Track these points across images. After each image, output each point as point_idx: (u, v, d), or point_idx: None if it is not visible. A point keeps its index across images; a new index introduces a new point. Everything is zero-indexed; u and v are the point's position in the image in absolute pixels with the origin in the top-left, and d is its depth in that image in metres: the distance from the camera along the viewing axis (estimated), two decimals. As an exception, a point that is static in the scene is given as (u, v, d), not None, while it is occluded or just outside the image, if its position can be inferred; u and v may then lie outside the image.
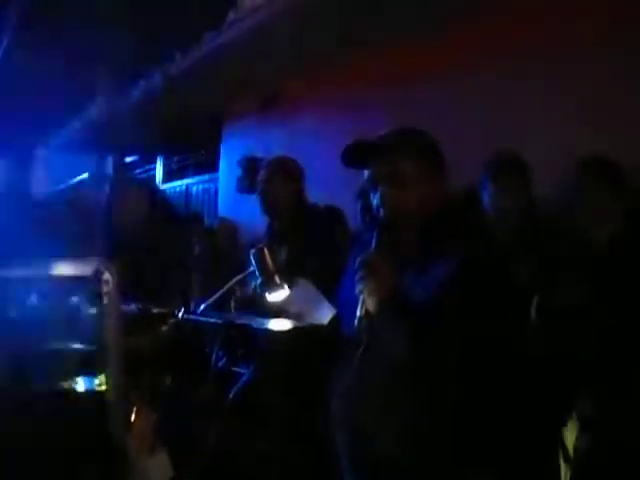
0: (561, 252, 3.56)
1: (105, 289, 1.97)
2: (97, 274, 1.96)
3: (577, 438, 3.36)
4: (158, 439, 2.43)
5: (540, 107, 4.86)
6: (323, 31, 6.32)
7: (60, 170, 16.08)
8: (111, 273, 1.97)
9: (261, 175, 4.40)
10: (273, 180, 4.33)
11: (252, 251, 3.10)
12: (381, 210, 2.50)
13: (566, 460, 3.42)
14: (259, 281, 3.10)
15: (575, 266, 3.47)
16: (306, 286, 3.17)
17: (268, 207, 4.31)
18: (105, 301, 1.98)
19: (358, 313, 2.31)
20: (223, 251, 7.95)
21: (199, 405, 3.09)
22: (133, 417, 2.41)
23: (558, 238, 3.62)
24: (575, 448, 3.37)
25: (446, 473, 2.34)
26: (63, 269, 1.99)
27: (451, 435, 2.32)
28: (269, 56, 7.18)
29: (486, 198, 3.84)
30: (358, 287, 2.34)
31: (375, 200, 2.53)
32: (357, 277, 2.35)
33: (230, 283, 3.08)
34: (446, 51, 5.73)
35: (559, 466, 3.45)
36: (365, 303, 2.32)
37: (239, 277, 3.14)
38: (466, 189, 3.72)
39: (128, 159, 14.72)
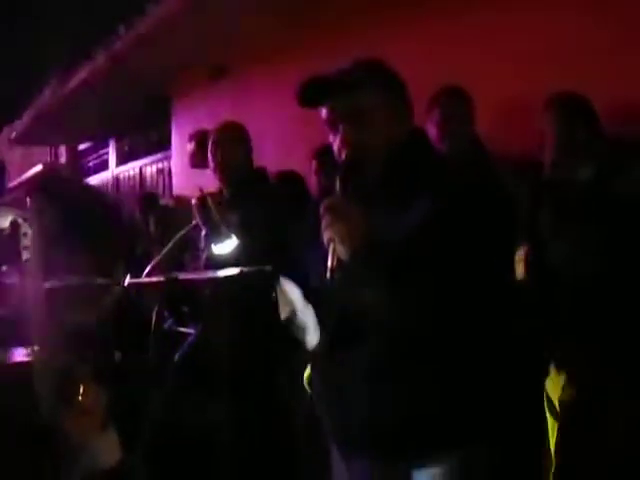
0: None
1: (24, 243, 1.80)
2: (14, 226, 1.79)
3: (563, 390, 3.29)
4: (107, 417, 2.28)
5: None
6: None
7: (15, 164, 15.96)
8: (30, 225, 1.80)
9: (210, 140, 4.27)
10: (221, 143, 4.18)
11: (194, 201, 2.93)
12: (343, 151, 2.26)
13: (552, 413, 3.37)
14: (203, 233, 2.93)
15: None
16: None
17: (220, 170, 4.17)
18: (25, 256, 1.80)
19: (329, 264, 2.07)
20: (180, 228, 7.83)
21: (145, 373, 2.92)
22: (80, 394, 2.26)
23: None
24: (561, 401, 3.31)
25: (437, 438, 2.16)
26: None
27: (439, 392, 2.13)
28: (216, 26, 7.04)
29: (433, 130, 3.82)
30: (325, 235, 2.10)
31: (336, 141, 2.29)
32: (323, 224, 2.10)
33: (172, 241, 2.92)
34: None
35: (546, 419, 3.40)
36: (335, 252, 2.08)
37: (181, 233, 2.97)
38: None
39: (81, 147, 14.55)
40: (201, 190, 3.49)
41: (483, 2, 4.81)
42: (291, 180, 5.32)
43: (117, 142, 12.66)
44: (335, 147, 2.31)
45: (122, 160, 12.44)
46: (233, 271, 2.55)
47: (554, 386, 3.36)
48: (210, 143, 4.24)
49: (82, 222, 3.82)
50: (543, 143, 3.61)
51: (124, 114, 10.64)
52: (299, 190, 5.25)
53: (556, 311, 3.34)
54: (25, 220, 1.71)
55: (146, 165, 11.44)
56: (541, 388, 3.35)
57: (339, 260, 2.07)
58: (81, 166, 14.47)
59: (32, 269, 1.80)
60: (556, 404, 3.34)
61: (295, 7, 6.25)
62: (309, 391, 2.90)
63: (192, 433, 3.26)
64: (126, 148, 12.26)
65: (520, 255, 3.40)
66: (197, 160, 8.24)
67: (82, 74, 9.25)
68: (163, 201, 9.50)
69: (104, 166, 13.19)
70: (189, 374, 3.10)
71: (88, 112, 10.68)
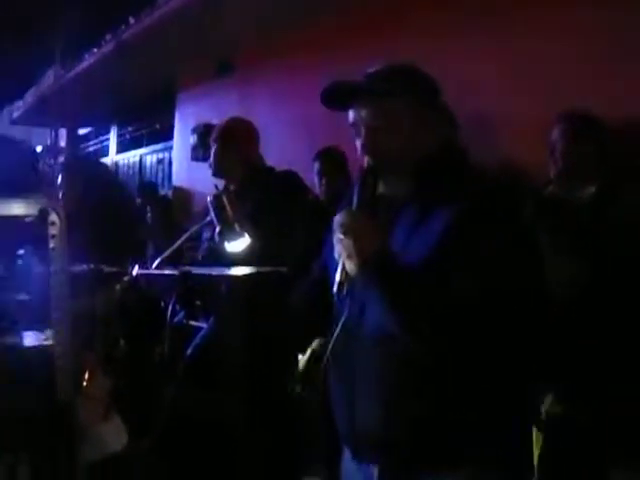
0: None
1: (52, 231, 1.85)
2: (43, 214, 1.84)
3: (551, 404, 3.33)
4: (112, 404, 2.33)
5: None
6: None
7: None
8: (58, 214, 1.84)
9: (217, 135, 4.27)
10: (218, 142, 4.17)
11: (209, 198, 2.97)
12: (364, 157, 2.17)
13: (538, 425, 3.38)
14: (217, 230, 2.96)
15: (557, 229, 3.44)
16: None
17: (215, 170, 4.18)
18: (51, 245, 1.85)
19: (337, 278, 2.03)
20: (177, 220, 7.90)
21: (156, 365, 2.96)
22: (86, 381, 2.31)
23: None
24: (547, 413, 3.35)
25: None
26: (8, 209, 1.87)
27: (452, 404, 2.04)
28: (223, 21, 7.08)
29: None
30: (336, 249, 2.05)
31: (358, 147, 2.19)
32: (335, 238, 2.05)
33: (185, 235, 2.95)
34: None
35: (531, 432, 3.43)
36: (345, 267, 2.02)
37: (194, 228, 3.01)
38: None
39: (81, 131, 14.55)
40: (216, 187, 3.51)
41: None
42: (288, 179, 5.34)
43: (119, 129, 12.67)
44: (358, 151, 2.21)
45: (123, 147, 12.45)
46: (249, 270, 2.59)
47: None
48: (216, 137, 4.23)
49: (106, 211, 3.86)
50: (551, 158, 3.67)
51: (128, 102, 10.66)
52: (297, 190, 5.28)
53: (549, 326, 3.38)
54: (54, 209, 1.74)
55: (146, 154, 11.46)
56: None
57: (348, 275, 2.02)
58: (81, 150, 14.46)
59: (58, 257, 1.84)
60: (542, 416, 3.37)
61: (306, 5, 6.28)
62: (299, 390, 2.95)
63: (203, 427, 3.29)
64: (127, 136, 12.26)
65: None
66: (198, 153, 8.32)
67: (89, 60, 9.28)
68: (162, 191, 9.55)
69: (104, 152, 13.19)
70: (201, 368, 3.14)
71: (92, 98, 10.69)
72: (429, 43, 5.20)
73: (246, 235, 2.96)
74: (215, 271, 2.67)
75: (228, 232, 2.94)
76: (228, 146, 4.09)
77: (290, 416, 2.88)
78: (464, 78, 4.66)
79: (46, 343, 2.13)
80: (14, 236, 2.59)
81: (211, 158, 4.13)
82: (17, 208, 1.82)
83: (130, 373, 2.94)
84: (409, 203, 2.14)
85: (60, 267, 1.81)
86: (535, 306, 2.08)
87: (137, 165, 11.72)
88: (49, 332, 2.10)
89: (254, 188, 3.93)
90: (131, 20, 8.03)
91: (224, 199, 2.95)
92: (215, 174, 4.13)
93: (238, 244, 2.95)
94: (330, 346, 2.16)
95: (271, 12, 6.63)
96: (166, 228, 7.24)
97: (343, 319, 2.13)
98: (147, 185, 9.18)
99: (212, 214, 2.94)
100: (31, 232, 2.31)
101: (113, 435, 2.23)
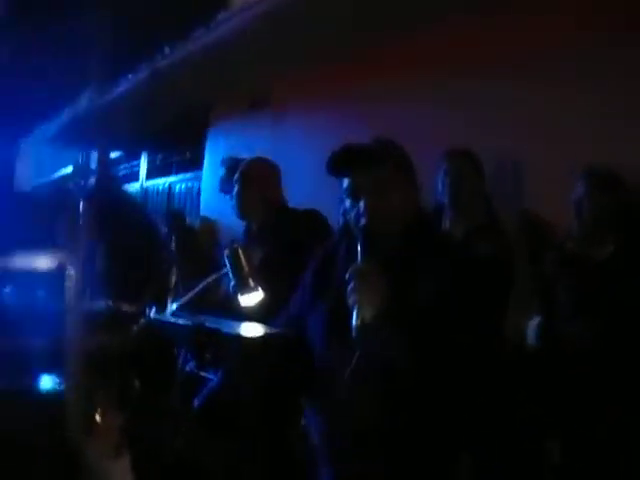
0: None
1: (69, 283, 1.88)
2: (61, 268, 1.88)
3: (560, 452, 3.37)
4: (122, 442, 2.35)
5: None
6: (312, 33, 6.29)
7: (45, 163, 16.02)
8: (75, 267, 1.88)
9: (238, 174, 4.34)
10: (238, 183, 4.32)
11: (226, 251, 3.00)
12: (362, 219, 2.48)
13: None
14: (232, 283, 3.00)
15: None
16: None
17: (237, 211, 4.25)
18: (68, 296, 1.88)
19: (354, 323, 2.25)
20: (203, 250, 7.92)
21: (166, 410, 2.98)
22: (98, 418, 2.33)
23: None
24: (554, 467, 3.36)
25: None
26: (28, 262, 1.90)
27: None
28: (258, 56, 7.14)
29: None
30: (352, 298, 2.29)
31: (355, 210, 2.52)
32: (350, 288, 2.30)
33: (203, 283, 2.98)
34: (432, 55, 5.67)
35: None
36: (360, 313, 2.26)
37: (213, 277, 3.03)
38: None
39: (113, 154, 14.63)
40: (233, 241, 3.56)
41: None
42: (313, 220, 5.35)
43: (149, 155, 12.74)
44: (352, 215, 2.54)
45: (152, 174, 12.51)
46: (257, 331, 2.65)
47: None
48: (237, 178, 4.30)
49: (126, 242, 3.89)
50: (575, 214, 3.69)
51: (160, 129, 10.74)
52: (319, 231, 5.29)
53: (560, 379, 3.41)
54: (71, 263, 1.77)
55: (176, 182, 11.52)
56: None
57: (363, 321, 2.24)
58: (111, 174, 14.52)
59: (73, 307, 1.87)
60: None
61: (337, 40, 6.33)
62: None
63: (208, 476, 3.32)
64: (158, 162, 12.33)
65: (534, 323, 3.50)
66: (227, 186, 8.35)
67: (124, 85, 9.37)
68: (189, 221, 9.58)
69: (134, 177, 13.26)
70: (209, 419, 3.16)
71: (125, 122, 10.78)
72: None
73: (260, 290, 2.99)
74: (227, 327, 2.69)
75: (243, 285, 2.98)
76: (248, 187, 4.16)
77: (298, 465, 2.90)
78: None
79: (61, 387, 2.16)
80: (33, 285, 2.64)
81: (233, 200, 4.20)
82: (38, 262, 1.86)
83: (143, 415, 2.95)
84: (398, 258, 2.47)
85: (76, 314, 1.84)
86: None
87: (166, 192, 11.77)
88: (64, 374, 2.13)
89: (273, 229, 3.99)
90: (166, 50, 8.12)
91: (240, 253, 2.98)
92: (238, 215, 4.20)
93: (252, 298, 2.98)
94: (344, 391, 2.39)
95: (304, 47, 6.71)
96: (190, 258, 7.27)
97: (352, 367, 2.33)
98: (174, 213, 9.20)
99: (228, 267, 2.98)
100: (49, 282, 2.35)
101: (121, 473, 2.26)
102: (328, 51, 6.56)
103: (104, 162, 13.98)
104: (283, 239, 3.96)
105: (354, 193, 2.53)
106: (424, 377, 2.27)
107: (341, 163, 2.55)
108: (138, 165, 13.20)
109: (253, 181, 4.25)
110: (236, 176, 4.30)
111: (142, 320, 3.02)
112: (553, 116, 4.63)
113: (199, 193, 10.32)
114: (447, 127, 5.34)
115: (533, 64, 4.81)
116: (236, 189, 4.26)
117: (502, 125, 4.95)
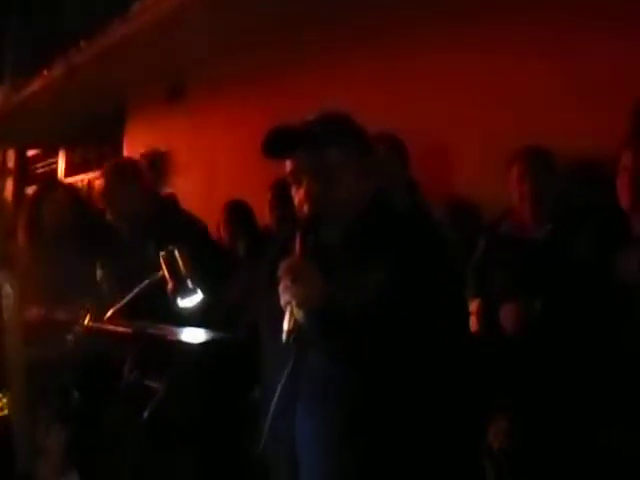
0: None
1: (5, 303, 1.81)
2: (-2, 288, 1.80)
3: (505, 434, 3.34)
4: (68, 459, 2.29)
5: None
6: (229, 24, 6.25)
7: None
8: (12, 286, 1.81)
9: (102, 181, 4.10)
10: (112, 184, 3.99)
11: (162, 254, 2.91)
12: (306, 205, 2.20)
13: (490, 457, 3.37)
14: (170, 286, 2.90)
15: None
16: None
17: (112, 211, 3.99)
18: (5, 316, 1.81)
19: (285, 326, 1.96)
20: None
21: (110, 423, 2.89)
22: (44, 437, 2.27)
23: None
24: (502, 450, 3.35)
25: None
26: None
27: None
28: (175, 47, 7.07)
29: None
30: (283, 297, 1.99)
31: (298, 196, 2.23)
32: (281, 286, 2.00)
33: (138, 287, 2.88)
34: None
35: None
36: (293, 314, 1.97)
37: (147, 281, 2.92)
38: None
39: (30, 152, 14.34)
40: (168, 245, 3.46)
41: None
42: (238, 210, 5.31)
43: (67, 152, 12.51)
44: (296, 200, 2.26)
45: (71, 171, 12.29)
46: (202, 336, 2.57)
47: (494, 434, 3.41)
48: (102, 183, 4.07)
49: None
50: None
51: (77, 125, 10.55)
52: (246, 221, 5.25)
53: (505, 362, 3.40)
54: (6, 281, 1.70)
55: (96, 178, 11.32)
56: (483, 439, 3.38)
57: (296, 322, 1.97)
58: (29, 172, 14.26)
59: (12, 327, 1.81)
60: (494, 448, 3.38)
61: (259, 31, 6.28)
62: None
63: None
64: (76, 159, 12.12)
65: (472, 308, 3.48)
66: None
67: (39, 82, 9.19)
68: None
69: (52, 175, 13.00)
70: (157, 431, 3.09)
71: (41, 119, 10.58)
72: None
73: (199, 291, 2.92)
74: (168, 332, 2.62)
75: (181, 288, 2.90)
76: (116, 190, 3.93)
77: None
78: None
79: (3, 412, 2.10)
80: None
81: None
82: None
83: (86, 427, 2.86)
84: (343, 249, 2.20)
85: (14, 341, 1.78)
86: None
87: (86, 189, 11.58)
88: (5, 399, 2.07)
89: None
90: (82, 43, 7.98)
91: (176, 255, 2.90)
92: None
93: (191, 300, 2.91)
94: (276, 399, 2.08)
95: (223, 38, 6.63)
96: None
97: (289, 369, 2.07)
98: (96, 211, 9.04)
99: (164, 270, 2.89)
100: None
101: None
102: (246, 41, 6.49)
103: (22, 160, 13.76)
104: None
105: (297, 176, 2.23)
106: (369, 395, 2.04)
107: (277, 144, 2.22)
108: (56, 162, 12.96)
109: (120, 183, 3.99)
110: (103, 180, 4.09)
111: (77, 328, 2.91)
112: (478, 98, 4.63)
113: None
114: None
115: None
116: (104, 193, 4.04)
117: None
